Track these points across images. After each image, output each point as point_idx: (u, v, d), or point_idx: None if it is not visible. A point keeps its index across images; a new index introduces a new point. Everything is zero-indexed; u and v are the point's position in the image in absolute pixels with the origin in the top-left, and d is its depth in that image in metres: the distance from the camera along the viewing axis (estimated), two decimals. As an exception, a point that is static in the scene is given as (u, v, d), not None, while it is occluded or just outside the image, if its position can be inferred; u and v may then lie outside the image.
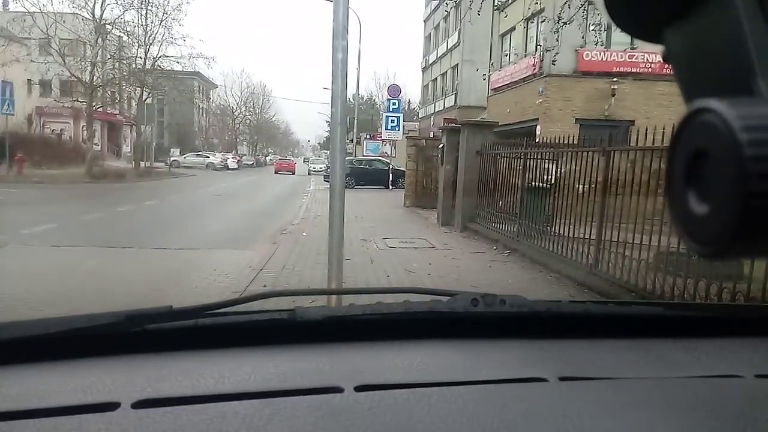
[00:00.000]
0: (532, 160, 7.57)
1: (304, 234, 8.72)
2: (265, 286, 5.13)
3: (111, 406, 0.65)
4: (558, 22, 7.85)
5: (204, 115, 58.46)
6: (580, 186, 6.07)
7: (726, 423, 0.67)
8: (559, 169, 6.91)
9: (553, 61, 9.22)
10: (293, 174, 39.39)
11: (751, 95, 0.29)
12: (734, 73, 0.31)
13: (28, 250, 7.08)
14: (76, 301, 4.53)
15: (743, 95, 0.30)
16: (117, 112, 28.99)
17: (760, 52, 0.30)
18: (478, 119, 13.25)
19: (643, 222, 4.86)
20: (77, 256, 6.81)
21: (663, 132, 4.38)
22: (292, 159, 51.69)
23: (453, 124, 11.98)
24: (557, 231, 6.46)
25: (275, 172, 40.06)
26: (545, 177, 7.25)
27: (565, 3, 7.71)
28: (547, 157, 7.34)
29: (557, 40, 7.59)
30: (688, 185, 0.30)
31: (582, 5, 7.18)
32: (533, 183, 7.44)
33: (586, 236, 5.70)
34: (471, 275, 5.94)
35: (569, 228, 6.13)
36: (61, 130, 33.09)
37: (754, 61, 0.30)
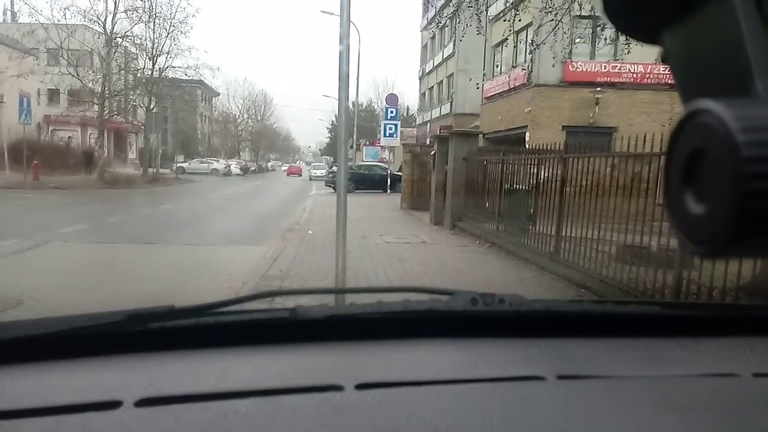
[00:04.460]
0: (509, 165, 8.60)
1: (310, 232, 9.69)
2: (281, 270, 6.13)
3: (113, 405, 0.65)
4: (533, 43, 8.89)
5: (207, 123, 59.51)
6: (567, 188, 6.64)
7: (723, 422, 0.67)
8: (545, 173, 7.82)
9: (527, 78, 10.13)
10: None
11: (749, 96, 0.29)
12: (732, 74, 0.31)
13: (70, 246, 8.09)
14: (122, 284, 5.51)
15: (741, 96, 0.30)
16: (123, 119, 29.97)
17: (758, 53, 0.30)
18: (465, 129, 14.23)
19: (598, 219, 5.79)
20: (114, 250, 7.86)
21: (636, 138, 5.04)
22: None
23: (443, 133, 12.99)
24: (538, 229, 7.30)
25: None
26: (528, 180, 8.19)
27: (539, 26, 8.74)
28: (522, 162, 8.37)
29: (532, 61, 8.53)
30: (685, 185, 0.30)
31: (553, 29, 8.16)
32: (514, 185, 8.44)
33: (551, 232, 6.72)
34: (453, 263, 6.98)
35: (549, 226, 6.90)
36: (69, 137, 33.90)
37: (752, 63, 0.30)
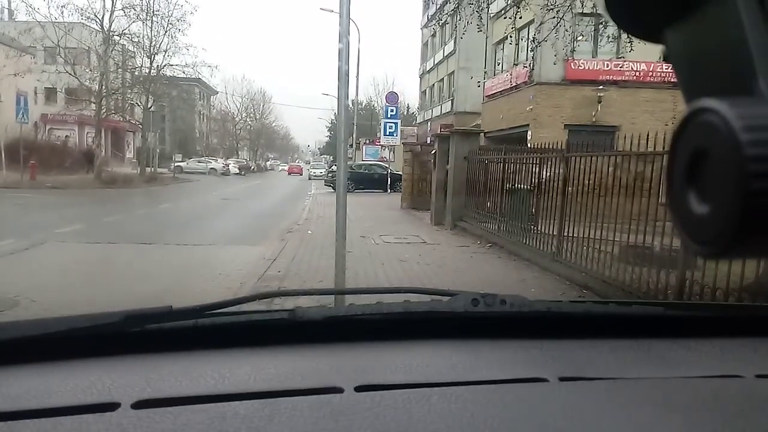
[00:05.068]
0: (511, 164, 8.54)
1: (309, 232, 9.64)
2: (279, 271, 6.06)
3: (111, 407, 0.65)
4: (534, 41, 8.84)
5: (205, 121, 59.44)
6: (569, 187, 6.59)
7: (727, 423, 0.66)
8: (547, 172, 7.77)
9: (529, 77, 10.07)
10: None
11: (752, 95, 0.29)
12: (735, 73, 0.31)
13: (67, 246, 8.02)
14: (120, 284, 5.45)
15: (744, 95, 0.29)
16: (120, 118, 29.88)
17: (761, 51, 0.30)
18: (466, 127, 14.18)
19: (600, 218, 5.76)
20: (112, 250, 7.78)
21: (639, 137, 5.02)
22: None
23: (444, 132, 12.94)
24: (540, 229, 7.25)
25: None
26: (530, 180, 8.14)
27: (541, 24, 8.69)
28: (524, 162, 8.30)
29: (534, 59, 8.47)
30: (688, 185, 0.30)
31: (555, 26, 8.11)
32: (515, 185, 8.38)
33: (552, 232, 6.66)
34: (454, 263, 6.92)
35: (551, 226, 6.84)
36: (66, 136, 33.85)
37: (755, 61, 0.30)
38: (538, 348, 0.88)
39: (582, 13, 9.08)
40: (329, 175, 26.07)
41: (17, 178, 20.09)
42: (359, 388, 0.71)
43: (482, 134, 13.75)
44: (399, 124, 20.53)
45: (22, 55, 25.48)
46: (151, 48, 25.90)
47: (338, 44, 4.06)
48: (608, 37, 10.37)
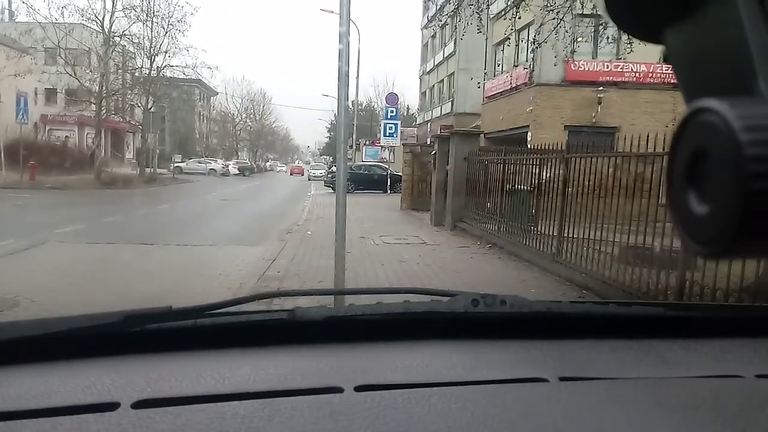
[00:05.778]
0: (511, 165, 8.55)
1: (309, 233, 9.64)
2: (279, 272, 6.06)
3: (111, 406, 0.65)
4: (534, 42, 8.86)
5: (205, 122, 59.46)
6: (569, 188, 6.60)
7: (727, 423, 0.66)
8: (547, 173, 7.77)
9: (529, 78, 10.06)
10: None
11: (752, 95, 0.29)
12: (735, 73, 0.31)
13: (67, 246, 8.03)
14: (120, 284, 5.44)
15: (744, 95, 0.30)
16: (120, 119, 29.91)
17: (761, 52, 0.30)
18: (466, 128, 14.19)
19: (600, 219, 5.76)
20: (111, 251, 7.78)
21: (639, 138, 5.02)
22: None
23: (444, 132, 12.95)
24: (540, 230, 7.25)
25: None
26: (530, 180, 8.15)
27: (541, 25, 8.69)
28: (524, 162, 8.31)
29: (534, 59, 8.46)
30: (688, 185, 0.30)
31: (554, 28, 8.11)
32: (515, 186, 8.39)
33: (552, 232, 6.67)
34: (454, 264, 6.92)
35: (551, 226, 6.84)
36: (66, 137, 33.86)
37: (755, 61, 0.30)
38: (538, 348, 0.88)
39: (582, 14, 9.09)
40: (329, 175, 26.08)
41: (17, 179, 20.09)
42: (359, 388, 0.71)
43: (482, 135, 13.76)
44: (399, 125, 20.54)
45: (23, 55, 25.51)
46: (152, 49, 25.99)
47: (338, 45, 4.07)
48: (608, 38, 10.36)
